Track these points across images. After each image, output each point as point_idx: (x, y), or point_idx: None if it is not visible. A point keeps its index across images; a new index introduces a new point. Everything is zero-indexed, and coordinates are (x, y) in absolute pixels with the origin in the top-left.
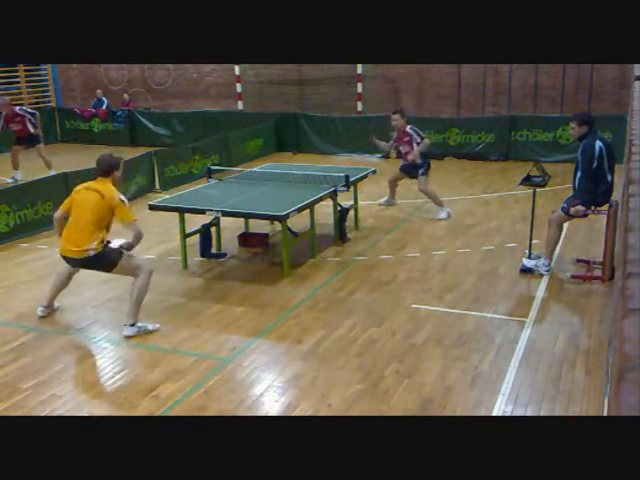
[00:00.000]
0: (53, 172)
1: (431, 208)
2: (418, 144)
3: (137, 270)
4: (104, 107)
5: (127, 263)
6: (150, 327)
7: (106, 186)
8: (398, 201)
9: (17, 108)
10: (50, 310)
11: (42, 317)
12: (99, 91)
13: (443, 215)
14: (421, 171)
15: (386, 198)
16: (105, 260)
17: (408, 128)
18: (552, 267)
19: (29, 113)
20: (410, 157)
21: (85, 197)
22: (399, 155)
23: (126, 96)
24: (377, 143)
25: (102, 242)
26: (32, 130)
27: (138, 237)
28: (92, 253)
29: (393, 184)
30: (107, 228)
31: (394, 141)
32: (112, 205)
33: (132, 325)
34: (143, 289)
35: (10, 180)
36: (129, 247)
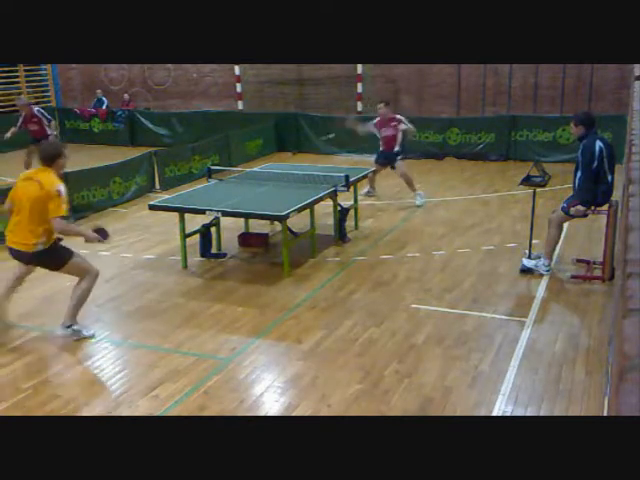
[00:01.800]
0: None
1: (431, 208)
2: (409, 125)
3: (85, 272)
4: (104, 107)
5: (76, 263)
6: (85, 332)
7: (47, 176)
8: (398, 201)
9: (35, 109)
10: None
11: None
12: (99, 91)
13: (419, 202)
14: (399, 157)
15: (366, 189)
16: (54, 257)
17: (397, 115)
18: (552, 267)
19: (46, 117)
20: (401, 127)
21: (25, 188)
22: (382, 140)
23: (126, 96)
24: (353, 124)
25: (51, 237)
26: (48, 131)
27: (64, 234)
28: (41, 248)
29: (373, 178)
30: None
31: (377, 126)
32: (49, 194)
33: (68, 327)
34: (86, 292)
35: None
36: (93, 241)
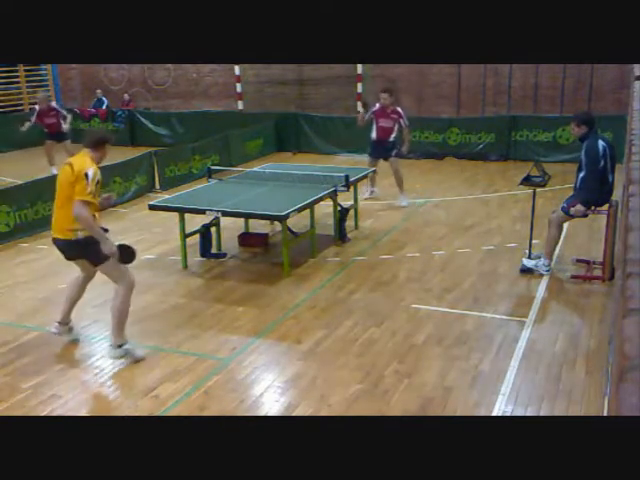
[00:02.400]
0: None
1: (431, 208)
2: (401, 128)
3: (122, 277)
4: (104, 107)
5: (117, 265)
6: (139, 353)
7: (81, 159)
8: (398, 201)
9: (53, 103)
10: (65, 328)
11: (57, 334)
12: (99, 91)
13: (404, 203)
14: (394, 152)
15: (369, 191)
16: (92, 249)
17: (399, 109)
18: (552, 267)
19: (62, 113)
20: (402, 122)
21: (61, 174)
22: (378, 130)
23: (126, 96)
24: (361, 119)
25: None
26: (63, 126)
27: (79, 221)
28: (81, 235)
29: (374, 177)
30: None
31: (376, 115)
32: (78, 177)
33: (119, 346)
34: (125, 305)
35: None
36: (111, 254)
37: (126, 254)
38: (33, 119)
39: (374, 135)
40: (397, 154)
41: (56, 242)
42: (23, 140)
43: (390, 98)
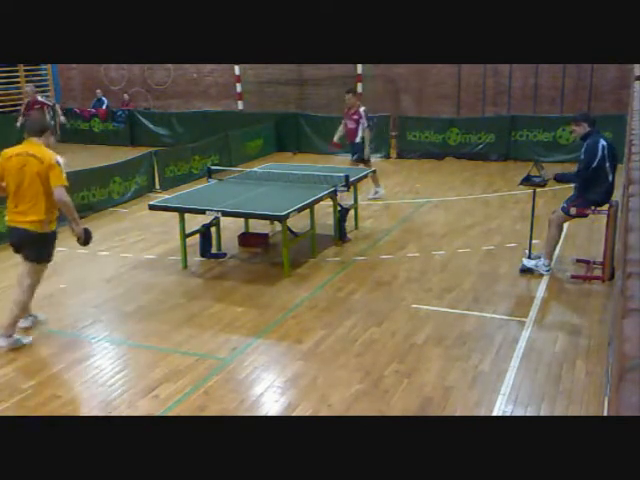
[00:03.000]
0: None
1: (431, 208)
2: (366, 128)
3: (37, 280)
4: (104, 107)
5: (44, 269)
6: (24, 340)
7: (42, 150)
8: (398, 201)
9: (39, 96)
10: (29, 319)
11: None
12: (99, 91)
13: (375, 195)
14: (356, 156)
15: (374, 191)
16: (47, 247)
17: (362, 109)
18: (552, 267)
19: (48, 105)
20: (357, 139)
21: (22, 164)
22: (346, 131)
23: (126, 96)
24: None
25: (54, 220)
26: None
27: (62, 206)
28: (47, 230)
29: (375, 177)
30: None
31: (344, 115)
32: (50, 166)
33: (10, 336)
34: (29, 294)
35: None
36: (79, 235)
37: (87, 236)
38: (22, 112)
39: (345, 137)
40: (357, 158)
41: (15, 232)
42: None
43: (353, 98)
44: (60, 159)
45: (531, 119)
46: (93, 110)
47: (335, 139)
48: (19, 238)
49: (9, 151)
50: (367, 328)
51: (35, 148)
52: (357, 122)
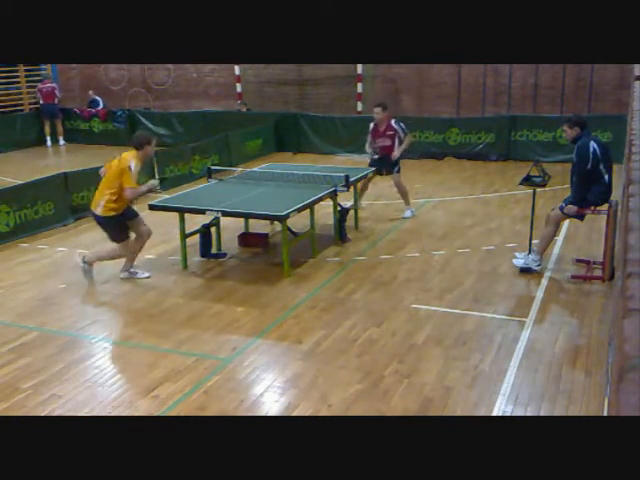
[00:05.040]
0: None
1: (431, 208)
2: (401, 140)
3: (122, 249)
4: (100, 107)
5: (125, 246)
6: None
7: (129, 154)
8: (398, 201)
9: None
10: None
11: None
12: (91, 92)
13: (408, 214)
14: (396, 168)
15: (352, 203)
16: (116, 229)
17: (393, 122)
18: (543, 264)
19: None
20: (395, 154)
21: (113, 162)
22: (379, 150)
23: (91, 93)
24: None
25: (113, 206)
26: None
27: (134, 198)
28: (98, 211)
29: (365, 186)
30: (117, 194)
31: (372, 135)
32: (123, 168)
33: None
34: (112, 255)
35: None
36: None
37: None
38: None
39: (375, 156)
40: (399, 170)
41: (93, 215)
42: (23, 140)
43: (383, 112)
44: (134, 164)
45: (531, 119)
46: (93, 110)
47: (371, 156)
48: (95, 220)
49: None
50: (367, 328)
51: (126, 153)
52: (393, 137)
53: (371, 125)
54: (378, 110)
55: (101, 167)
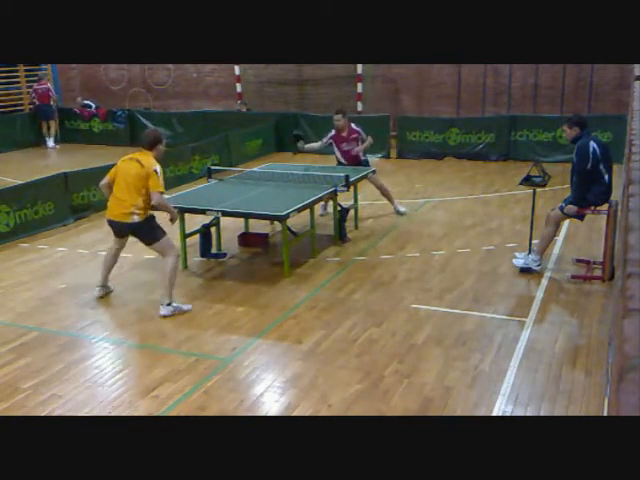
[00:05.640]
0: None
1: (431, 208)
2: (363, 141)
3: (170, 250)
4: (93, 108)
5: (165, 243)
6: (184, 307)
7: (146, 157)
8: (398, 201)
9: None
10: (106, 290)
11: (100, 297)
12: (79, 98)
13: (402, 208)
14: (371, 170)
15: (324, 207)
16: (149, 231)
17: (353, 125)
18: (543, 264)
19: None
20: (356, 150)
21: (128, 166)
22: (343, 155)
23: (79, 99)
24: (302, 147)
25: (145, 210)
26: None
27: (160, 207)
28: (136, 219)
29: (385, 190)
30: (148, 198)
31: (335, 142)
32: (148, 173)
33: (168, 304)
34: (175, 270)
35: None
36: (171, 217)
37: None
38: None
39: (343, 161)
40: (373, 171)
41: (113, 224)
42: (23, 140)
43: (343, 119)
44: (159, 168)
45: (531, 119)
46: (93, 110)
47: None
48: (119, 229)
49: (126, 156)
50: (367, 328)
51: (143, 156)
52: (357, 140)
53: (332, 132)
54: (339, 117)
55: (101, 167)
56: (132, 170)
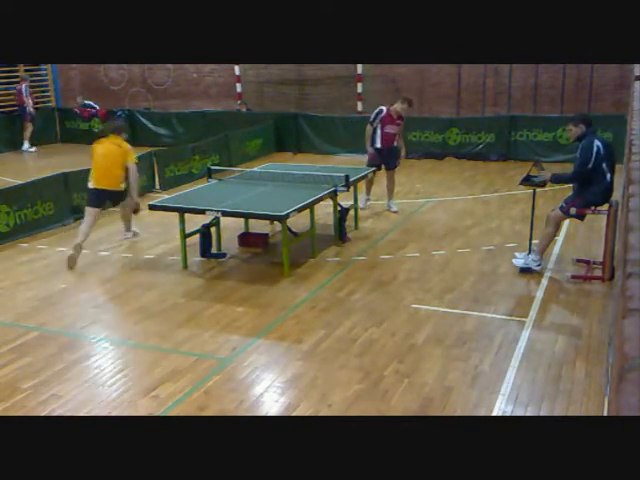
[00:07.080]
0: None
1: (431, 208)
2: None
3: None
4: (89, 108)
5: (129, 201)
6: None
7: (119, 140)
8: (398, 201)
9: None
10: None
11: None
12: (79, 98)
13: (395, 208)
14: (399, 162)
15: (365, 199)
16: (125, 195)
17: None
18: (543, 264)
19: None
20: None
21: (108, 148)
22: (382, 137)
23: (79, 100)
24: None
25: (125, 180)
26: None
27: (133, 177)
28: (122, 187)
29: (370, 183)
30: (125, 171)
31: (382, 120)
32: (125, 150)
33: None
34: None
35: (31, 149)
36: (134, 206)
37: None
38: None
39: (379, 145)
40: (394, 166)
41: (104, 193)
42: (22, 140)
43: (408, 107)
44: (130, 147)
45: (531, 119)
46: (93, 110)
47: (370, 149)
48: (110, 197)
49: (97, 141)
50: (367, 328)
51: (117, 140)
52: (399, 127)
53: (383, 110)
54: (404, 106)
55: None
56: (115, 151)
